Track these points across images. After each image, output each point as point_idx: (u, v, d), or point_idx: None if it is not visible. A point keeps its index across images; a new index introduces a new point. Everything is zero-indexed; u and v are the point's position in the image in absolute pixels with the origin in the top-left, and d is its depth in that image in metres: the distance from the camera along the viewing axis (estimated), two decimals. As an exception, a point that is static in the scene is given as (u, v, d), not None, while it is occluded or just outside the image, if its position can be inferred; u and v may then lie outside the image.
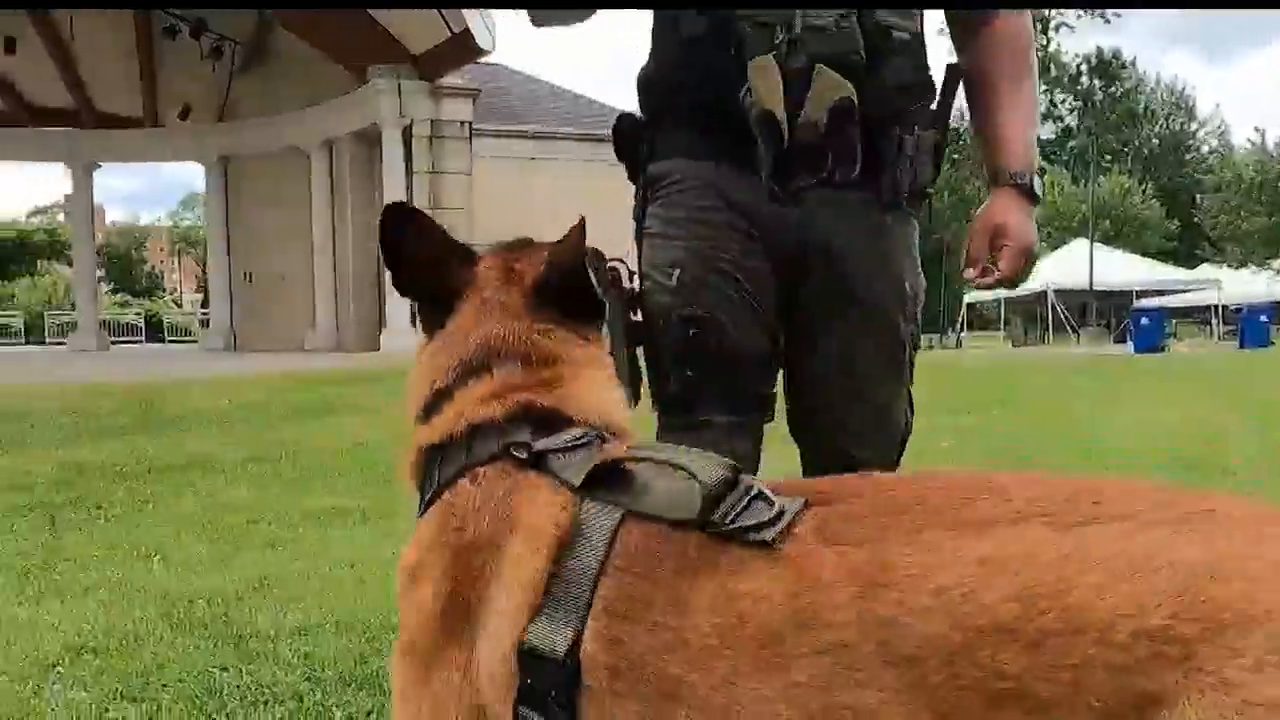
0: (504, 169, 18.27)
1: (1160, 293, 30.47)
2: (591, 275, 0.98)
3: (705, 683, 0.67)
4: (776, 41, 1.22)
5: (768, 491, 0.74)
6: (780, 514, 0.71)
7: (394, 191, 15.40)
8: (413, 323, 12.98)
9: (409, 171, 15.39)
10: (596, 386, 0.93)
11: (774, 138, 1.20)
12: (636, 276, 1.37)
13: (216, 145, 18.84)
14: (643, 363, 1.38)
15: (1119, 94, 47.61)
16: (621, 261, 1.34)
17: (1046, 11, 47.76)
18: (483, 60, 15.62)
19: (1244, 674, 0.54)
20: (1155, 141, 47.43)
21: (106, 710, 1.88)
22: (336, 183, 17.15)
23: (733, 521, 0.71)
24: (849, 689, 0.62)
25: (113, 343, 22.67)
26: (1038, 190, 1.38)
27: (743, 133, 1.24)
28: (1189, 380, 9.96)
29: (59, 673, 2.08)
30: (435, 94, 15.32)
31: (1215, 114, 53.67)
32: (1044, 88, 49.75)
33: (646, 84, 1.42)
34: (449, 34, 13.97)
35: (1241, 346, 19.71)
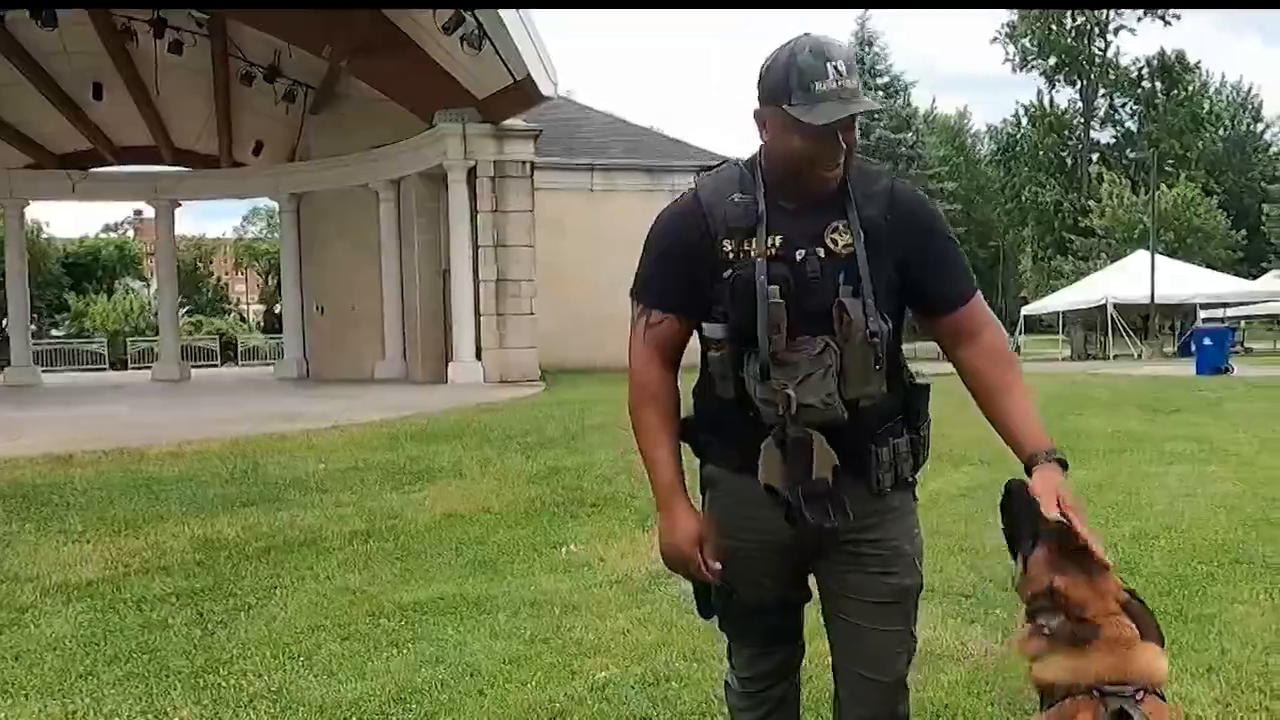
0: (565, 201, 18.83)
1: (1225, 305, 29.97)
2: None
3: None
4: (780, 414, 1.73)
5: None
6: None
7: (459, 228, 16.05)
8: (477, 356, 13.67)
9: (473, 210, 15.99)
10: None
11: (777, 498, 1.76)
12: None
13: (290, 183, 19.71)
14: None
15: (1182, 97, 46.69)
16: None
17: (1105, 15, 47.11)
18: (541, 95, 16.14)
19: None
20: (1219, 146, 46.36)
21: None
22: (404, 219, 17.85)
23: None
24: None
25: (192, 367, 23.74)
26: (1066, 460, 1.78)
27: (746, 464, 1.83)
28: (1247, 421, 10.03)
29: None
30: (498, 136, 15.91)
31: (1283, 113, 52.06)
32: (1103, 91, 49.05)
33: (700, 417, 1.97)
34: (512, 80, 14.51)
35: (1309, 366, 19.45)
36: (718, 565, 1.85)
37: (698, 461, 2.00)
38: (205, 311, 50.89)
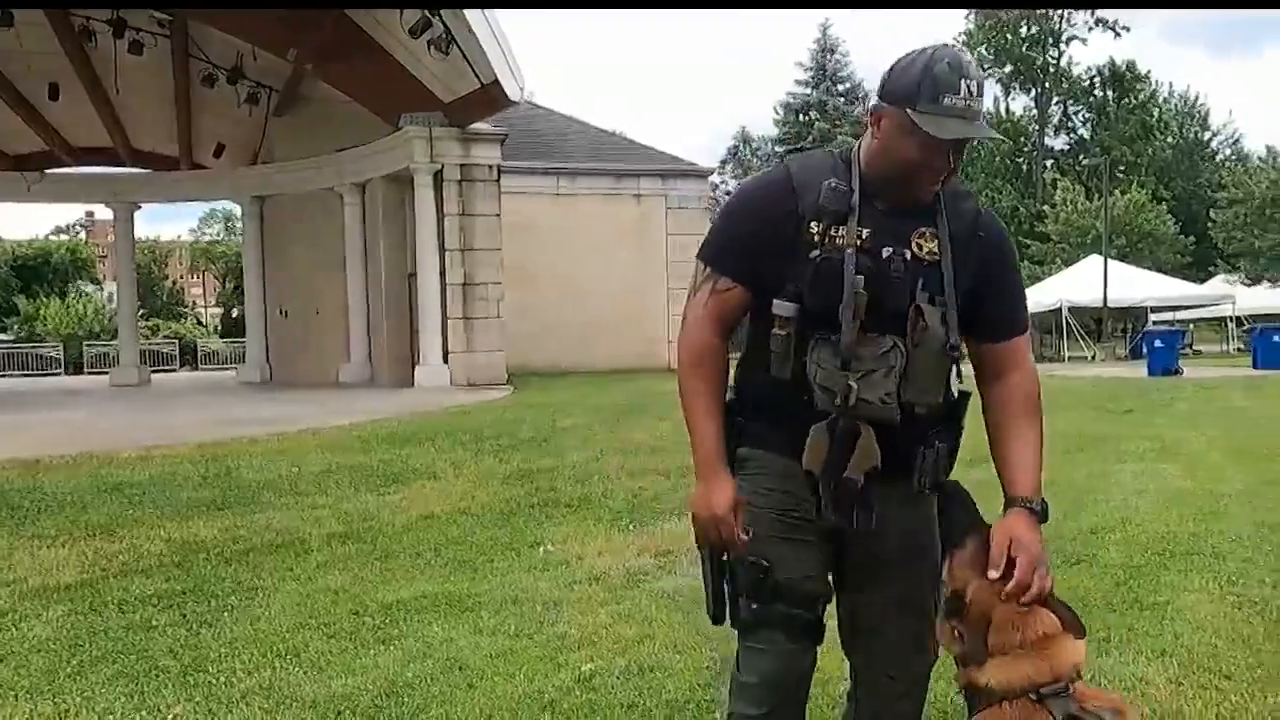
0: (529, 204, 18.90)
1: (1174, 308, 30.80)
2: None
3: None
4: (837, 404, 1.75)
5: None
6: None
7: (426, 232, 16.04)
8: (444, 359, 13.68)
9: (440, 213, 16.00)
10: None
11: (814, 487, 1.80)
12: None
13: (253, 185, 19.56)
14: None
15: (1133, 106, 47.85)
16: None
17: (1058, 25, 48.16)
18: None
19: None
20: (1168, 153, 47.57)
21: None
22: (369, 222, 17.80)
23: None
24: None
25: (150, 372, 23.39)
26: (1047, 514, 1.81)
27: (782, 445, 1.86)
28: (1196, 420, 10.39)
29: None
30: (465, 139, 15.94)
31: (1229, 122, 53.58)
32: (1057, 99, 50.10)
33: (741, 396, 1.94)
34: (479, 84, 14.56)
35: (1255, 367, 20.09)
36: (746, 536, 1.84)
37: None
38: (161, 315, 50.01)
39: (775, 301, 1.79)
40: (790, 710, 1.96)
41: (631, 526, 5.85)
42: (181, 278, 76.72)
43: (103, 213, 34.64)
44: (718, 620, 1.96)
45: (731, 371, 1.96)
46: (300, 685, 3.42)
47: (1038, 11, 47.71)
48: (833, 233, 1.76)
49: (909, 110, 1.69)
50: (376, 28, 14.95)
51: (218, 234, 68.38)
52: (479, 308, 16.15)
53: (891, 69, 1.76)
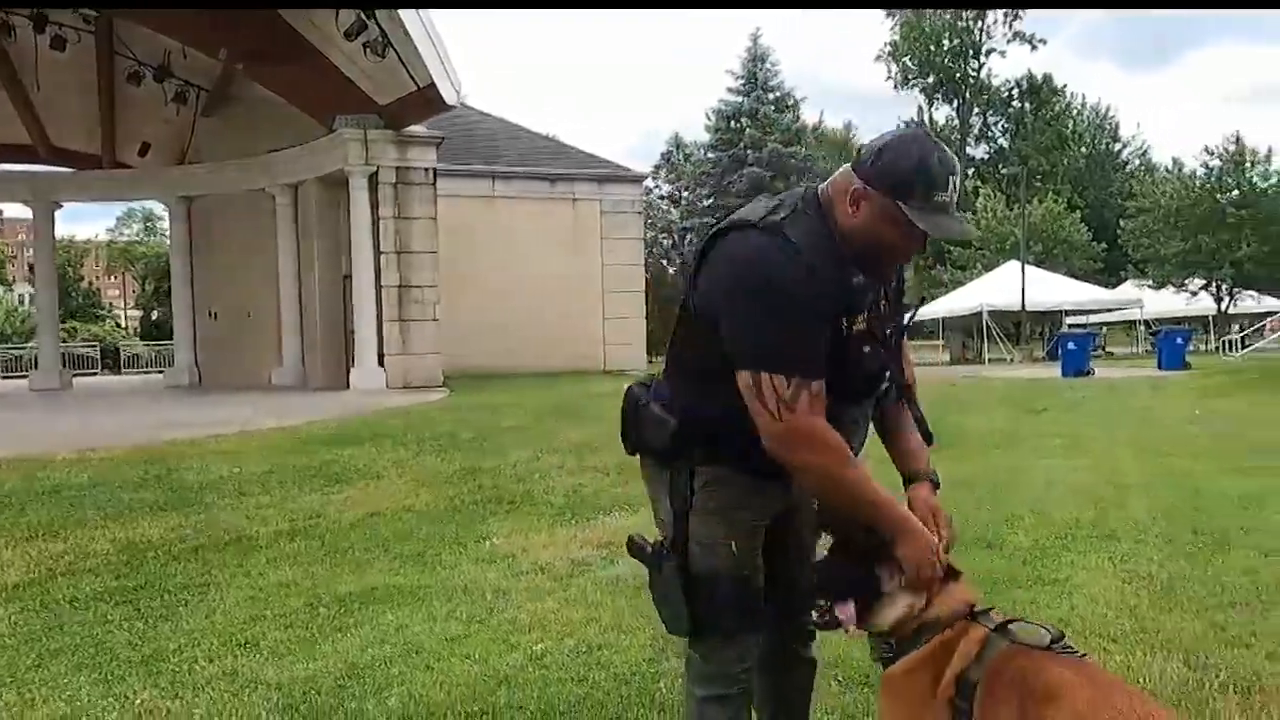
0: (464, 207, 18.96)
1: (1087, 312, 32.22)
2: None
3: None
4: None
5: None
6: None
7: (361, 234, 16.00)
8: (379, 362, 13.68)
9: (376, 216, 15.98)
10: None
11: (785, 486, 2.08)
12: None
13: (182, 185, 19.23)
14: None
15: (1049, 117, 49.77)
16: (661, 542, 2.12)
17: (979, 37, 49.82)
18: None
19: None
20: (1082, 163, 49.58)
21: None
22: (302, 223, 17.67)
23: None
24: None
25: (72, 375, 22.73)
26: (939, 483, 2.11)
27: (771, 464, 1.94)
28: (1104, 418, 11.03)
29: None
30: (401, 142, 15.95)
31: (1137, 134, 56.02)
32: (977, 110, 51.79)
33: (697, 418, 2.03)
34: (415, 87, 14.61)
35: (1160, 368, 21.18)
36: (734, 550, 2.04)
37: (646, 460, 2.17)
38: (78, 317, 48.38)
39: None
40: (749, 686, 2.19)
41: (573, 521, 6.06)
42: (98, 279, 74.28)
43: (11, 211, 33.44)
44: (693, 634, 2.09)
45: (678, 390, 2.08)
46: (262, 670, 3.57)
47: (959, 24, 49.33)
48: (850, 320, 1.90)
49: (901, 204, 1.79)
50: (310, 29, 14.89)
51: (136, 234, 66.38)
52: (415, 310, 16.17)
53: (879, 155, 1.83)
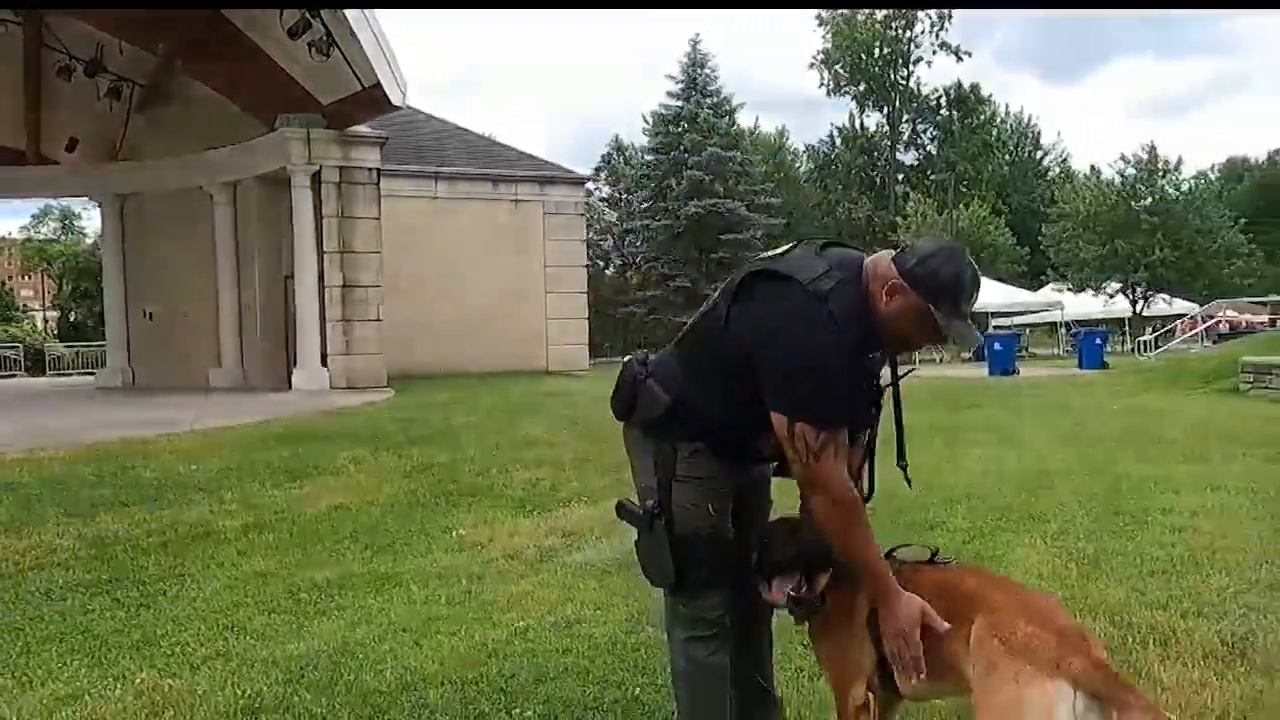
0: (407, 207, 18.93)
1: (1012, 314, 33.40)
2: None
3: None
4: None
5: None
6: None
7: (304, 234, 15.88)
8: (323, 362, 13.63)
9: (319, 216, 15.87)
10: None
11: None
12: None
13: (116, 183, 18.79)
14: None
15: (975, 125, 51.33)
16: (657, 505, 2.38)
17: (907, 47, 51.16)
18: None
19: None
20: (1006, 170, 51.25)
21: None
22: (241, 223, 17.44)
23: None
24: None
25: (-8, 378, 22.03)
26: None
27: (742, 454, 2.34)
28: (1029, 413, 11.61)
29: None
30: (344, 142, 15.89)
31: (1058, 142, 58.06)
32: (907, 117, 53.16)
33: (688, 404, 2.33)
34: (360, 87, 14.57)
35: (1080, 367, 22.15)
36: (714, 514, 2.34)
37: (630, 429, 2.46)
38: (-8, 320, 46.46)
39: None
40: (726, 628, 2.43)
41: (535, 512, 6.27)
42: (11, 279, 71.57)
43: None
44: (676, 585, 2.37)
45: (681, 378, 2.35)
46: (255, 650, 3.72)
47: (889, 34, 50.60)
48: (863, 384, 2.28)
49: (933, 308, 2.11)
50: (253, 27, 14.74)
51: (53, 232, 64.06)
52: (358, 310, 16.12)
53: (924, 261, 2.13)
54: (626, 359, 2.51)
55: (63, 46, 16.90)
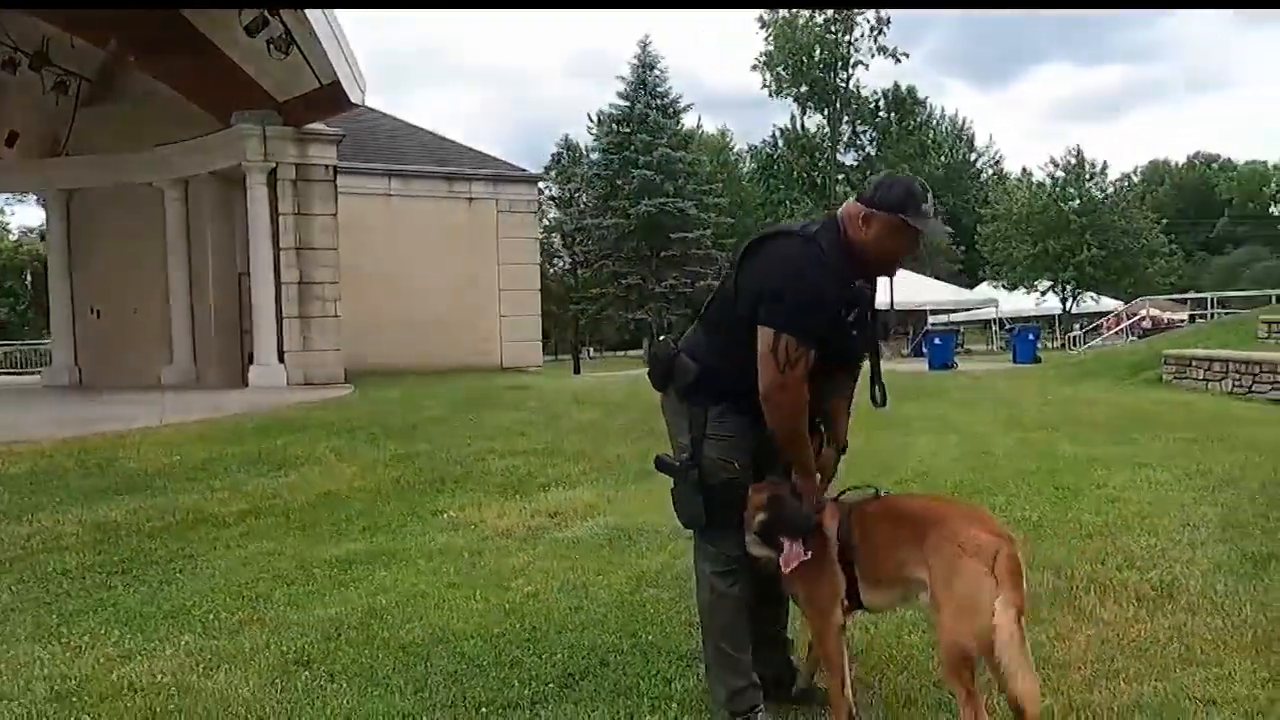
0: (362, 205, 19.00)
1: (949, 311, 34.51)
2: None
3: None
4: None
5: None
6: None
7: (260, 231, 15.89)
8: (279, 359, 13.73)
9: (275, 212, 15.89)
10: None
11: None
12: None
13: (62, 178, 18.50)
14: None
15: (912, 128, 52.74)
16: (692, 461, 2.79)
17: (847, 51, 52.30)
18: (341, 102, 16.28)
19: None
20: (942, 171, 52.74)
21: (367, 691, 3.12)
22: (194, 219, 17.33)
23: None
24: None
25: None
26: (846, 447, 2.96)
27: (759, 412, 2.68)
28: (968, 404, 12.27)
29: (311, 669, 3.27)
30: (300, 139, 15.92)
31: (990, 145, 59.89)
32: (847, 119, 54.36)
33: (714, 371, 2.76)
34: (318, 85, 14.66)
35: (1015, 362, 23.12)
36: (735, 465, 2.75)
37: (668, 397, 2.89)
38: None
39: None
40: (744, 565, 2.82)
41: (517, 496, 6.61)
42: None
43: None
44: (706, 527, 2.79)
45: (705, 348, 2.80)
46: (287, 615, 4.01)
47: (829, 37, 51.69)
48: (848, 312, 2.65)
49: (902, 216, 2.56)
50: (209, 23, 14.72)
51: (-12, 228, 61.83)
52: (315, 307, 16.15)
53: (878, 188, 2.64)
54: (659, 338, 2.94)
55: (9, 39, 16.63)
